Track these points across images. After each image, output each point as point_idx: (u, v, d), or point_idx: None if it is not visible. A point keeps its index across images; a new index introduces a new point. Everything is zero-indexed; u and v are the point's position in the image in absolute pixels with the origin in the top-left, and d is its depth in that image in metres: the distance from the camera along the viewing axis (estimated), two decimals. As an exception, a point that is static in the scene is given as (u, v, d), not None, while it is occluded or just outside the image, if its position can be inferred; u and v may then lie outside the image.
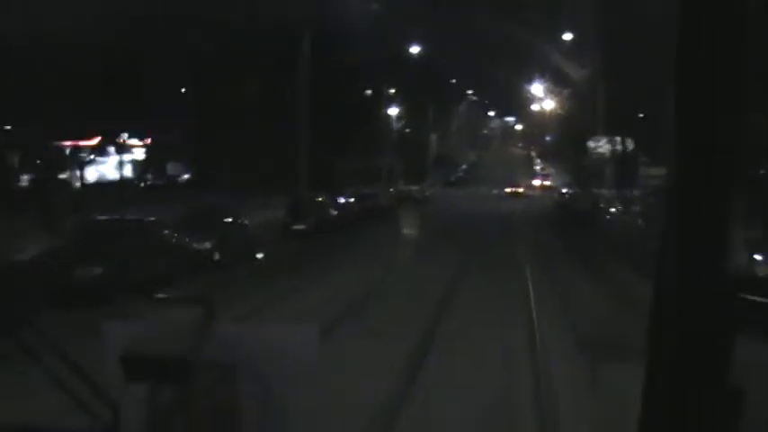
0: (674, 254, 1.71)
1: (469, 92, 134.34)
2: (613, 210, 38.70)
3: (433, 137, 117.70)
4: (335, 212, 39.21)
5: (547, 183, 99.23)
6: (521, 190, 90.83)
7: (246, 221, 28.96)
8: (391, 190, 63.71)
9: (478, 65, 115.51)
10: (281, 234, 34.37)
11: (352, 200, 45.50)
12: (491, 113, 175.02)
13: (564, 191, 69.09)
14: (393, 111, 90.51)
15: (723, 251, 1.68)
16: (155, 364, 2.21)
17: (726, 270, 1.68)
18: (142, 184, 66.99)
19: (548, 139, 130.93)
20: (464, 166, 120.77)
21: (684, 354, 1.69)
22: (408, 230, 40.19)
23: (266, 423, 2.42)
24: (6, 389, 8.89)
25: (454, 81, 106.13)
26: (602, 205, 44.05)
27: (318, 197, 40.21)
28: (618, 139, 78.31)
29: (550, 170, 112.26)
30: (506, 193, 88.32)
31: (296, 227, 34.52)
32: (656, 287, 1.74)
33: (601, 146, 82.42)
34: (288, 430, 2.43)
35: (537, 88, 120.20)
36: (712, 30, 1.67)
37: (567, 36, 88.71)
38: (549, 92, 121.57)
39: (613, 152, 78.07)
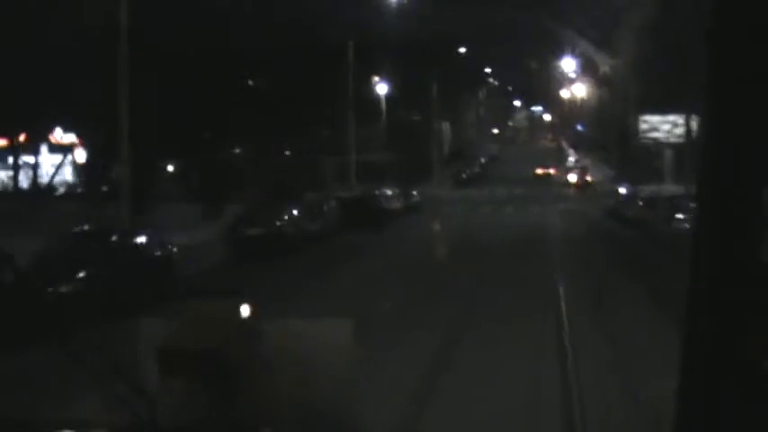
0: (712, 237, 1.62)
1: (488, 70, 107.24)
2: None
3: (445, 125, 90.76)
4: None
5: (587, 178, 72.90)
6: (552, 171, 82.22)
7: None
8: (345, 194, 36.68)
9: (498, 48, 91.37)
10: None
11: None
12: (517, 103, 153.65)
13: (621, 190, 41.77)
14: (381, 88, 63.90)
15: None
16: (190, 357, 2.18)
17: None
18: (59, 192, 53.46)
19: (580, 128, 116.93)
20: (482, 160, 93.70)
21: (720, 337, 1.61)
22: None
23: (306, 413, 2.32)
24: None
25: (463, 50, 78.77)
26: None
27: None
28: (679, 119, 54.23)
29: (586, 162, 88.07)
30: (536, 174, 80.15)
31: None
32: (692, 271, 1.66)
33: (656, 128, 60.05)
34: (328, 420, 2.33)
35: (568, 64, 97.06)
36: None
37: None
38: (582, 70, 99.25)
39: (688, 133, 52.49)
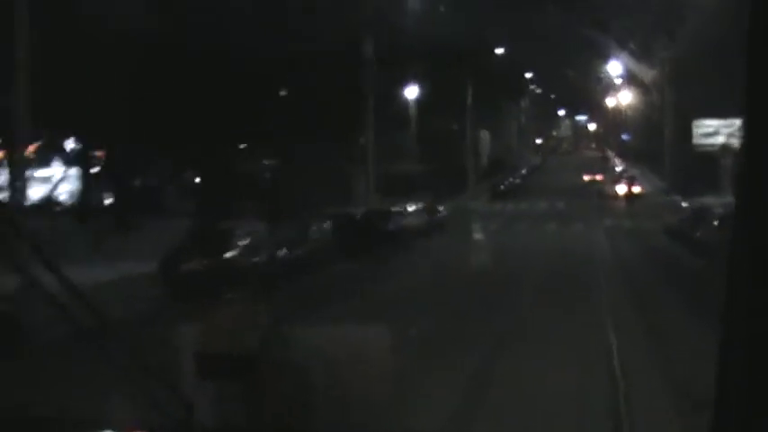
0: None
1: (528, 75, 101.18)
2: None
3: (485, 134, 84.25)
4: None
5: (636, 189, 66.62)
6: (599, 177, 79.99)
7: None
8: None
9: (541, 56, 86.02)
10: None
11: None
12: (561, 112, 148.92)
13: (684, 204, 34.72)
14: (411, 91, 57.60)
15: None
16: (227, 362, 2.24)
17: None
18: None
19: (625, 137, 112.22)
20: (523, 171, 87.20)
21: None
22: None
23: (338, 418, 2.32)
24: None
25: (501, 51, 72.53)
26: None
27: None
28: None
29: (634, 172, 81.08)
30: (584, 180, 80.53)
31: None
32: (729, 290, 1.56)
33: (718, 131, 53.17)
34: (360, 425, 2.29)
35: (614, 68, 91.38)
36: None
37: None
38: (628, 78, 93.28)
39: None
